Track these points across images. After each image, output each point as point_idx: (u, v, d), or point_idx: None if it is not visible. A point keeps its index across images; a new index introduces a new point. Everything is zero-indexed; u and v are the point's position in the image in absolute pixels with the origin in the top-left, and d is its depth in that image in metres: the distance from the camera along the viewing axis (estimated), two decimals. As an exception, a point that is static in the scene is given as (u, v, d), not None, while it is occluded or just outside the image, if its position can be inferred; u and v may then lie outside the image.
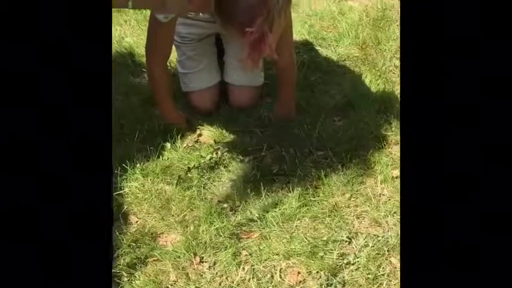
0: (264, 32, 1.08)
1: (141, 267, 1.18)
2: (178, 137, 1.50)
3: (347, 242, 1.22)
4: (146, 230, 1.26)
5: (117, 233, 1.24)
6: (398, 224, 1.25)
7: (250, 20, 1.08)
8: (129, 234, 1.25)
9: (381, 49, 1.85)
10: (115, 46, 1.89)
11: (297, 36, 1.92)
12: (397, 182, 1.36)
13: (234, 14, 1.11)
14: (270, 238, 1.24)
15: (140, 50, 1.85)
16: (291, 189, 1.34)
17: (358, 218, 1.28)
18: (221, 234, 1.25)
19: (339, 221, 1.27)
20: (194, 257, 1.21)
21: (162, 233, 1.27)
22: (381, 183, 1.36)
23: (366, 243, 1.21)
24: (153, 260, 1.20)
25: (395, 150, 1.45)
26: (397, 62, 1.78)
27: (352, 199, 1.33)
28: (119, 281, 1.15)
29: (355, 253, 1.19)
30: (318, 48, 1.89)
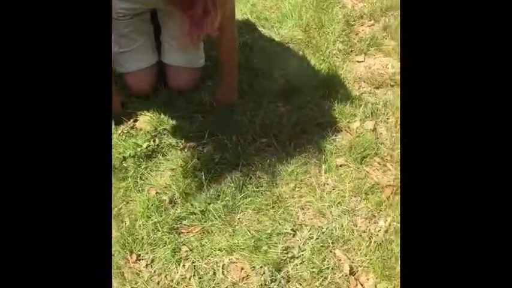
0: (207, 8, 1.01)
1: (71, 267, 1.09)
2: (112, 122, 1.38)
3: (291, 235, 1.19)
4: (76, 226, 1.16)
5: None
6: (343, 215, 1.23)
7: None
8: (57, 231, 1.15)
9: (324, 32, 1.81)
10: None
11: (239, 16, 1.84)
12: (341, 170, 1.34)
13: None
14: (212, 232, 1.18)
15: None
16: (233, 179, 1.28)
17: (303, 209, 1.25)
18: (159, 229, 1.17)
19: (283, 213, 1.23)
20: (130, 255, 1.13)
21: (95, 228, 1.18)
22: (325, 173, 1.33)
23: (310, 236, 1.18)
24: (85, 259, 1.11)
25: (339, 138, 1.43)
26: (341, 46, 1.75)
27: (297, 189, 1.29)
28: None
29: (299, 246, 1.16)
30: (260, 29, 1.82)
